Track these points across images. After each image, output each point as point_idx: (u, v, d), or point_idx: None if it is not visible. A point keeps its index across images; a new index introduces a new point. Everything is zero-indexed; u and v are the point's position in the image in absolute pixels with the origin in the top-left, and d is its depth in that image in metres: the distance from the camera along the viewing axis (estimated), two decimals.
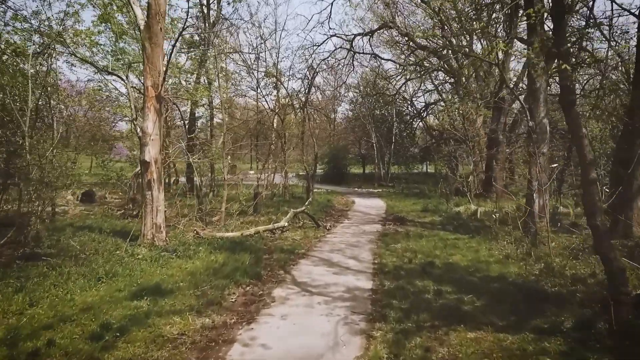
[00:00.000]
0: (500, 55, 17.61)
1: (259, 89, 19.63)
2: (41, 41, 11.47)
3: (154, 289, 5.86)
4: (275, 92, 19.59)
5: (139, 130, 8.65)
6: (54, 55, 12.31)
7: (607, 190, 11.27)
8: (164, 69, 8.51)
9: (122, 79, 10.61)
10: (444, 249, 8.96)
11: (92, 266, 6.89)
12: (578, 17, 12.37)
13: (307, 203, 13.67)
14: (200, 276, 6.64)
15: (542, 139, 9.42)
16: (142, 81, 8.76)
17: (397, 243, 9.67)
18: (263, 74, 18.67)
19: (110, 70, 10.98)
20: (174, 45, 8.89)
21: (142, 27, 8.35)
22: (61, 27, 11.33)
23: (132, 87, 11.39)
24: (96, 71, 11.96)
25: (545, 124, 9.58)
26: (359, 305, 5.55)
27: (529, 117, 9.60)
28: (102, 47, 13.62)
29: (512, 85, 15.53)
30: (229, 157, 23.99)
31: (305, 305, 5.51)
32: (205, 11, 19.25)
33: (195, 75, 18.35)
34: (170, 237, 9.40)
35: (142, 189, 8.97)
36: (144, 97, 8.54)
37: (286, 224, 11.19)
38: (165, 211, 12.66)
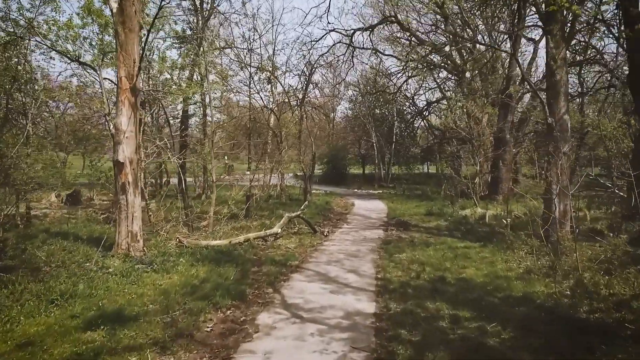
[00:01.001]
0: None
1: (251, 84, 18.60)
2: (12, 30, 10.47)
3: (115, 315, 4.90)
4: (269, 87, 18.60)
5: (111, 127, 7.67)
6: (28, 47, 11.36)
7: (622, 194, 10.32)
8: (140, 57, 7.53)
9: (94, 69, 9.63)
10: (455, 260, 8.01)
11: (50, 283, 5.93)
12: (586, 14, 11.64)
13: (303, 207, 12.71)
14: (174, 296, 5.70)
15: (564, 137, 8.47)
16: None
17: (402, 252, 8.72)
18: (256, 68, 17.64)
19: (81, 60, 9.99)
20: (149, 30, 7.86)
21: (114, 10, 7.38)
22: (34, 15, 10.34)
23: (104, 78, 10.39)
24: (68, 62, 10.95)
25: (567, 120, 8.62)
26: (360, 336, 4.58)
27: (548, 113, 8.64)
28: (86, 39, 12.66)
29: (521, 80, 14.53)
30: (226, 156, 23.07)
31: (294, 338, 4.54)
32: (198, 3, 18.31)
33: (187, 71, 17.33)
34: (150, 246, 8.43)
35: (115, 193, 8.02)
36: (118, 89, 7.58)
37: (279, 231, 10.23)
38: (150, 215, 11.72)
